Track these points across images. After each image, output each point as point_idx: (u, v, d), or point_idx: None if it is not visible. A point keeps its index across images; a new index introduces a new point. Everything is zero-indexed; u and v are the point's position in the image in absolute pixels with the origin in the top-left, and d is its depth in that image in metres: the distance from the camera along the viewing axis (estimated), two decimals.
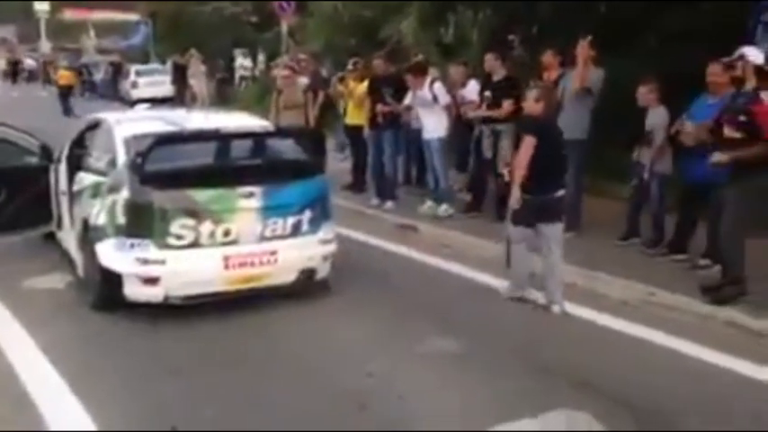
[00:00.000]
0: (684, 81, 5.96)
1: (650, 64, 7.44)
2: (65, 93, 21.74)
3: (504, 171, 6.14)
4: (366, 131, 8.61)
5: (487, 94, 7.45)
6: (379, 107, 8.13)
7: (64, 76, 22.71)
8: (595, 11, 8.89)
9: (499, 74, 7.44)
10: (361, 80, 8.87)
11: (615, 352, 4.58)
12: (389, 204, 8.24)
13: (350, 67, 9.43)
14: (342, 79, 9.99)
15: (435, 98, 7.66)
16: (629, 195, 6.52)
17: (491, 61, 7.51)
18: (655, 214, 6.24)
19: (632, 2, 8.49)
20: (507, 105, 7.15)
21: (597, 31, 6.86)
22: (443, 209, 7.73)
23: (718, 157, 4.84)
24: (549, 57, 7.12)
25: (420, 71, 7.83)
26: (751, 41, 6.59)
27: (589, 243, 6.41)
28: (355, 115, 8.96)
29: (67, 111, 20.64)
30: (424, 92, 7.70)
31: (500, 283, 5.62)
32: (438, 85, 7.75)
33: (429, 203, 7.94)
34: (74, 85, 23.73)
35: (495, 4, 10.53)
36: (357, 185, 9.06)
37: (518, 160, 5.19)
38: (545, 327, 5.03)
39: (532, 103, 5.32)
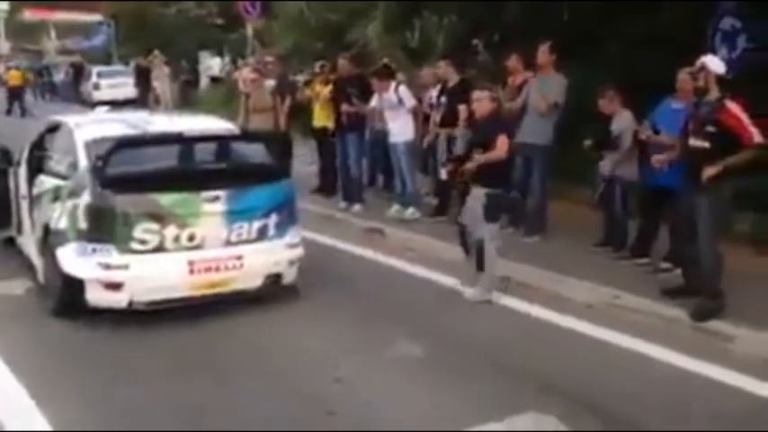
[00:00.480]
0: (646, 87, 6.07)
1: (612, 71, 7.57)
2: (15, 94, 21.27)
3: (443, 171, 6.19)
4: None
5: (443, 99, 7.53)
6: (345, 107, 8.13)
7: (14, 76, 22.16)
8: (558, 17, 9.01)
9: (453, 79, 7.55)
10: (327, 83, 8.85)
11: (581, 355, 4.64)
12: (357, 208, 8.24)
13: (317, 69, 9.40)
14: (308, 83, 9.93)
15: (401, 101, 7.70)
16: (596, 201, 6.54)
17: (444, 67, 7.68)
18: (618, 218, 6.33)
19: (594, 7, 8.62)
20: (463, 110, 7.21)
21: (560, 38, 6.98)
22: (410, 212, 7.76)
23: (709, 171, 4.74)
24: (513, 61, 7.21)
25: (386, 75, 7.89)
26: (710, 50, 6.76)
27: (554, 247, 6.50)
28: (322, 117, 8.93)
29: (22, 111, 20.37)
30: (390, 95, 7.74)
31: (465, 288, 5.64)
32: (403, 89, 7.81)
33: (396, 207, 7.95)
34: (24, 85, 23.16)
35: (460, 9, 10.62)
36: (325, 189, 9.01)
37: (494, 156, 5.41)
38: (511, 330, 5.07)
39: (487, 103, 5.52)
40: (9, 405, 3.85)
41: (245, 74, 16.26)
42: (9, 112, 20.43)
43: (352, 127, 8.19)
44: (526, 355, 4.59)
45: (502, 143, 5.46)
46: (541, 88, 6.75)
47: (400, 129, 7.74)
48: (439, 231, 7.10)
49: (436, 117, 7.62)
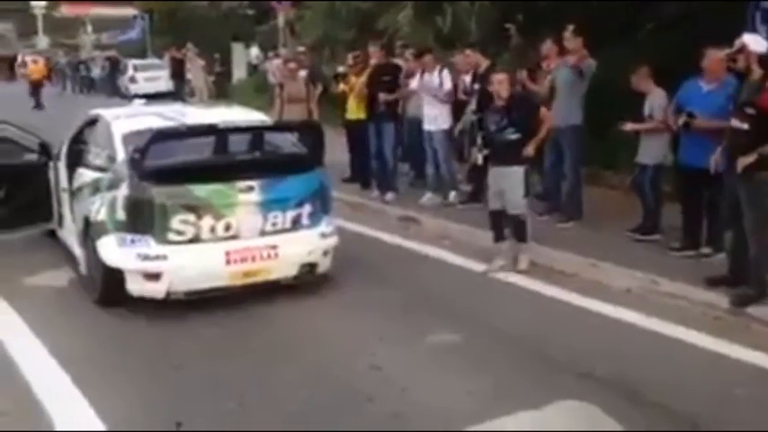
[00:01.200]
0: (680, 68, 5.94)
1: (645, 52, 7.42)
2: (36, 87, 21.94)
3: (480, 156, 6.28)
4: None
5: (476, 86, 7.48)
6: (383, 96, 8.10)
7: (35, 70, 22.84)
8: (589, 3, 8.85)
9: (483, 65, 7.51)
10: (361, 74, 8.75)
11: (620, 341, 4.58)
12: (390, 196, 8.23)
13: (350, 61, 9.26)
14: (341, 76, 9.64)
15: (442, 85, 7.67)
16: (630, 186, 6.46)
17: (472, 54, 7.64)
18: (648, 203, 6.21)
19: None
20: None
21: (591, 20, 6.88)
22: (452, 196, 7.81)
23: (744, 160, 4.63)
24: (548, 46, 7.15)
25: (431, 55, 7.91)
26: (751, 29, 6.56)
27: (590, 233, 6.42)
28: (356, 109, 8.78)
29: (37, 104, 20.95)
30: (434, 76, 7.72)
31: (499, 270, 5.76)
32: (446, 72, 7.77)
33: (429, 195, 7.94)
34: (44, 79, 23.95)
35: None
36: (357, 179, 8.92)
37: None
38: (548, 317, 5.04)
39: (507, 86, 5.91)
40: (54, 394, 3.93)
41: (274, 65, 16.45)
42: (38, 105, 20.94)
43: (388, 116, 8.15)
44: (564, 341, 4.54)
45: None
46: (564, 74, 6.70)
47: (438, 115, 7.71)
48: (474, 218, 7.06)
49: (472, 103, 7.57)
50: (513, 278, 5.75)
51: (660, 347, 4.49)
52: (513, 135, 5.79)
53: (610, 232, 6.36)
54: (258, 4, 22.51)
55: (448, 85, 7.72)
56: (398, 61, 8.87)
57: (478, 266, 6.01)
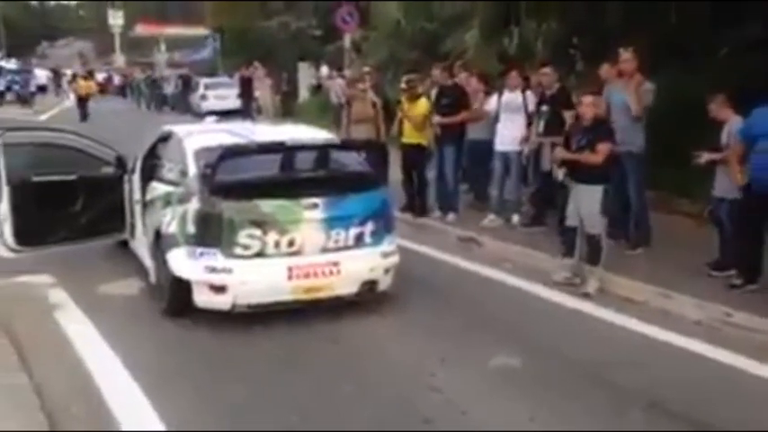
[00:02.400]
0: (756, 93, 5.74)
1: (725, 74, 7.20)
2: (83, 101, 24.14)
3: (560, 172, 6.17)
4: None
5: (544, 108, 7.40)
6: (437, 119, 8.05)
7: (82, 86, 25.11)
8: (666, 21, 8.67)
9: (554, 86, 7.43)
10: (416, 98, 8.36)
11: (690, 374, 4.44)
12: (451, 217, 8.20)
13: (403, 86, 8.57)
14: (397, 102, 8.97)
15: (523, 105, 7.61)
16: (708, 218, 6.19)
17: (549, 74, 7.48)
18: (727, 238, 5.90)
19: (706, 8, 8.21)
20: (570, 117, 7.04)
21: (665, 42, 6.71)
22: (516, 218, 7.78)
23: None
24: (606, 70, 7.06)
25: (517, 72, 7.86)
26: None
27: (660, 261, 6.22)
28: (413, 135, 8.36)
29: (83, 116, 23.10)
30: (516, 95, 7.69)
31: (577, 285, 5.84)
32: (530, 93, 7.69)
33: (491, 216, 7.89)
34: (91, 94, 26.13)
35: (561, 12, 10.41)
36: (414, 208, 8.44)
37: (591, 160, 5.85)
38: (614, 345, 4.92)
39: (592, 108, 5.94)
40: (124, 403, 4.03)
41: (336, 85, 16.68)
42: (84, 117, 23.13)
43: (449, 137, 8.11)
44: (631, 371, 4.42)
45: (602, 148, 5.82)
46: (617, 96, 6.55)
47: (514, 136, 7.65)
48: (536, 241, 6.98)
49: (539, 125, 7.48)
50: (578, 304, 5.64)
51: (731, 381, 4.32)
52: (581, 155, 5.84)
53: (679, 261, 6.15)
54: (326, 24, 22.90)
55: (531, 105, 7.61)
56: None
57: (541, 290, 5.93)
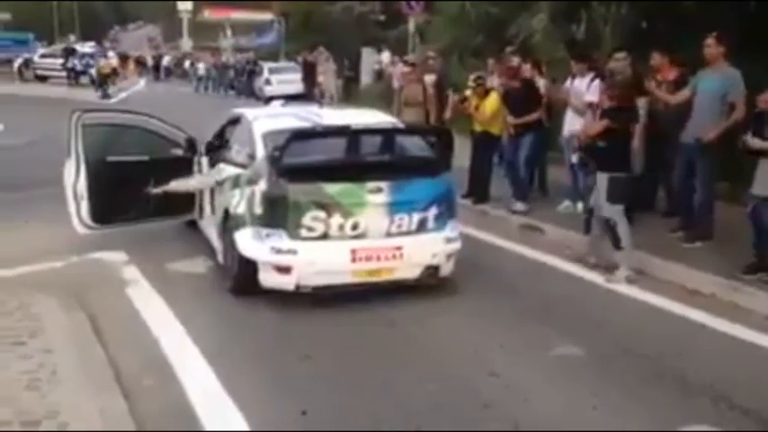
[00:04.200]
0: None
1: None
2: (104, 79, 25.85)
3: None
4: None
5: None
6: (510, 119, 7.97)
7: (106, 66, 27.16)
8: (744, 8, 8.32)
9: (627, 73, 7.14)
10: (485, 95, 8.25)
11: (760, 369, 4.31)
12: (520, 206, 8.06)
13: (471, 83, 8.38)
14: (464, 100, 8.55)
15: (588, 92, 7.39)
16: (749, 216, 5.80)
17: (624, 59, 7.26)
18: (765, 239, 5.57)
19: None
20: (643, 104, 6.89)
21: (742, 30, 6.44)
22: (581, 207, 7.55)
23: None
24: (657, 58, 6.92)
25: (589, 60, 7.83)
26: None
27: (728, 253, 6.00)
28: (484, 124, 8.29)
29: (104, 94, 24.54)
30: (584, 81, 7.52)
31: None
32: (597, 83, 7.30)
33: (566, 203, 7.83)
34: (113, 74, 28.27)
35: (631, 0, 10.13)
36: (474, 194, 8.40)
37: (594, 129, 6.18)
38: (680, 337, 4.82)
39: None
40: (194, 376, 4.18)
41: (398, 70, 16.66)
42: (105, 95, 24.55)
43: (527, 129, 7.96)
44: (697, 364, 4.33)
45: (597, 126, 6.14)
46: (708, 84, 6.31)
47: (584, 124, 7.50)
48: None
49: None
50: (641, 294, 5.54)
51: None
52: (600, 143, 6.05)
53: (745, 254, 5.94)
54: (390, 8, 22.89)
55: (590, 96, 7.29)
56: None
57: (601, 278, 5.88)
